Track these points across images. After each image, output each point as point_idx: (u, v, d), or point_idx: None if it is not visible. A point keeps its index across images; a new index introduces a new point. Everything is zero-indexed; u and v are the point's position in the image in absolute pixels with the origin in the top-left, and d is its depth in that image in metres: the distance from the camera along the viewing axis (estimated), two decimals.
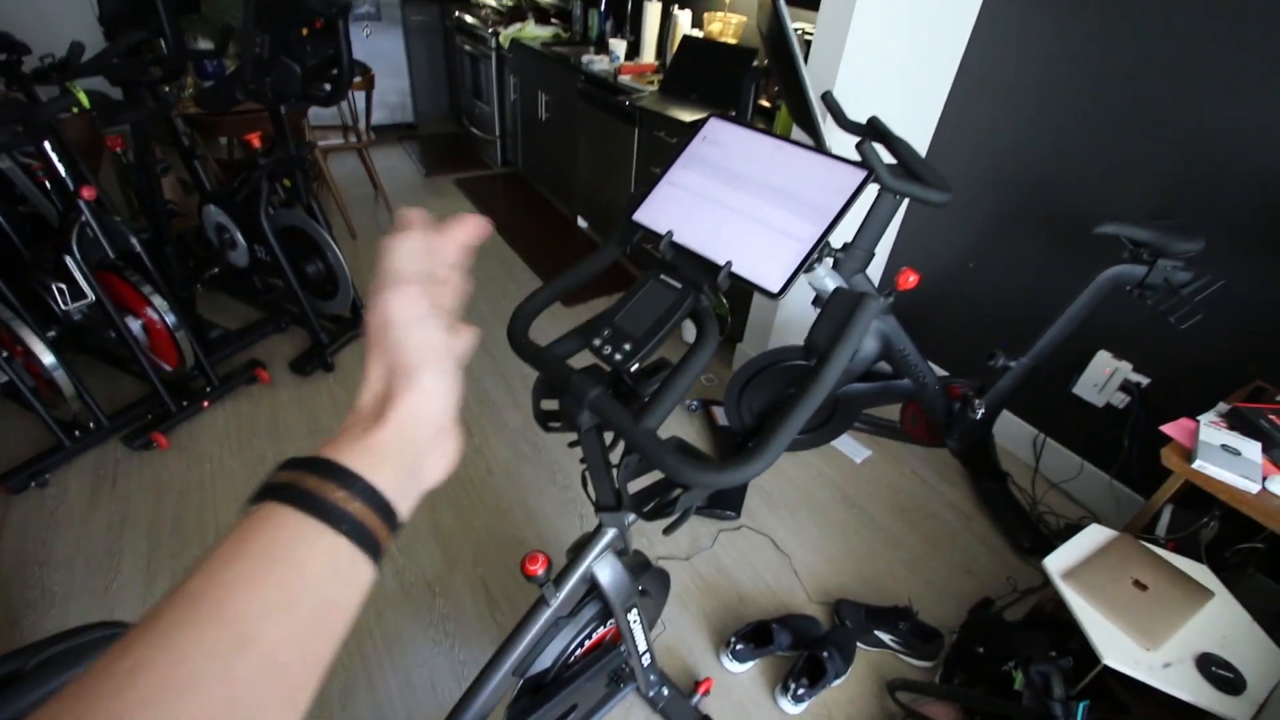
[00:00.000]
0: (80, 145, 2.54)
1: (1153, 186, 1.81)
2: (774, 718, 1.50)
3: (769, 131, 0.86)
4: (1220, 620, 1.31)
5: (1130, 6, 1.72)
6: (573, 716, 1.21)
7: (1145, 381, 1.94)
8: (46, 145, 1.65)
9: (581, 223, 3.74)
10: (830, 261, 1.67)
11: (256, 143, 2.14)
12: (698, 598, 1.75)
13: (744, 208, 0.82)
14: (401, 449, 0.32)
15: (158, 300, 1.97)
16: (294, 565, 0.26)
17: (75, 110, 1.59)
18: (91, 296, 1.83)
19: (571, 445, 0.94)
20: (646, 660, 1.28)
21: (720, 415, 2.36)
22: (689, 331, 2.62)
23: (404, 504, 0.31)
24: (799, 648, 1.59)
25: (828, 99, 1.68)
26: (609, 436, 0.93)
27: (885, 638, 1.65)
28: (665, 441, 0.74)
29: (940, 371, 2.48)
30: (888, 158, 1.45)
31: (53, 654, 0.46)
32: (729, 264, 0.78)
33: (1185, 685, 1.18)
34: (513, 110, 4.10)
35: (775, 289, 0.75)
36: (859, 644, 1.65)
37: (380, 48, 4.56)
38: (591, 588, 1.05)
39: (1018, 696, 1.34)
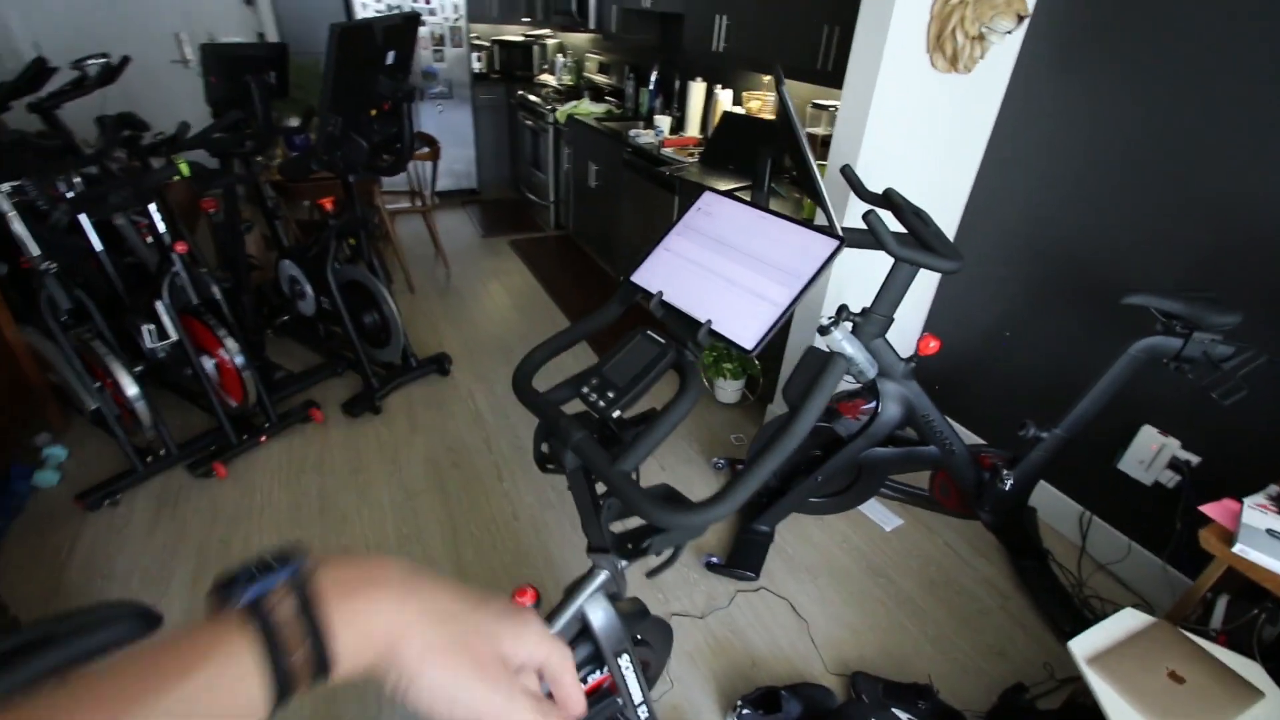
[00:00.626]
0: (181, 207, 2.89)
1: (1189, 258, 1.78)
2: None
3: (755, 205, 0.94)
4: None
5: (1161, 76, 1.75)
6: None
7: (1195, 460, 1.85)
8: (152, 207, 1.91)
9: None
10: (849, 326, 1.70)
11: (329, 206, 2.39)
12: (708, 657, 1.73)
13: (727, 272, 0.89)
14: (371, 656, 0.32)
15: (230, 342, 2.18)
16: (225, 697, 0.27)
17: (176, 178, 1.84)
18: (175, 337, 2.05)
19: (569, 489, 1.00)
20: (644, 714, 1.28)
21: None
22: (725, 392, 2.67)
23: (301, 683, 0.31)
24: (808, 718, 1.53)
25: (847, 172, 1.76)
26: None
27: (903, 716, 1.57)
28: (644, 487, 0.79)
29: (977, 440, 2.42)
30: (899, 227, 1.50)
31: (80, 621, 0.55)
32: (709, 322, 0.84)
33: None
34: (565, 178, 4.37)
35: (749, 346, 0.81)
36: None
37: (451, 122, 4.99)
38: (584, 629, 1.08)
39: None
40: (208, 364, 2.20)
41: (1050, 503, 2.21)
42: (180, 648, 0.28)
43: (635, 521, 0.98)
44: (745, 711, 1.53)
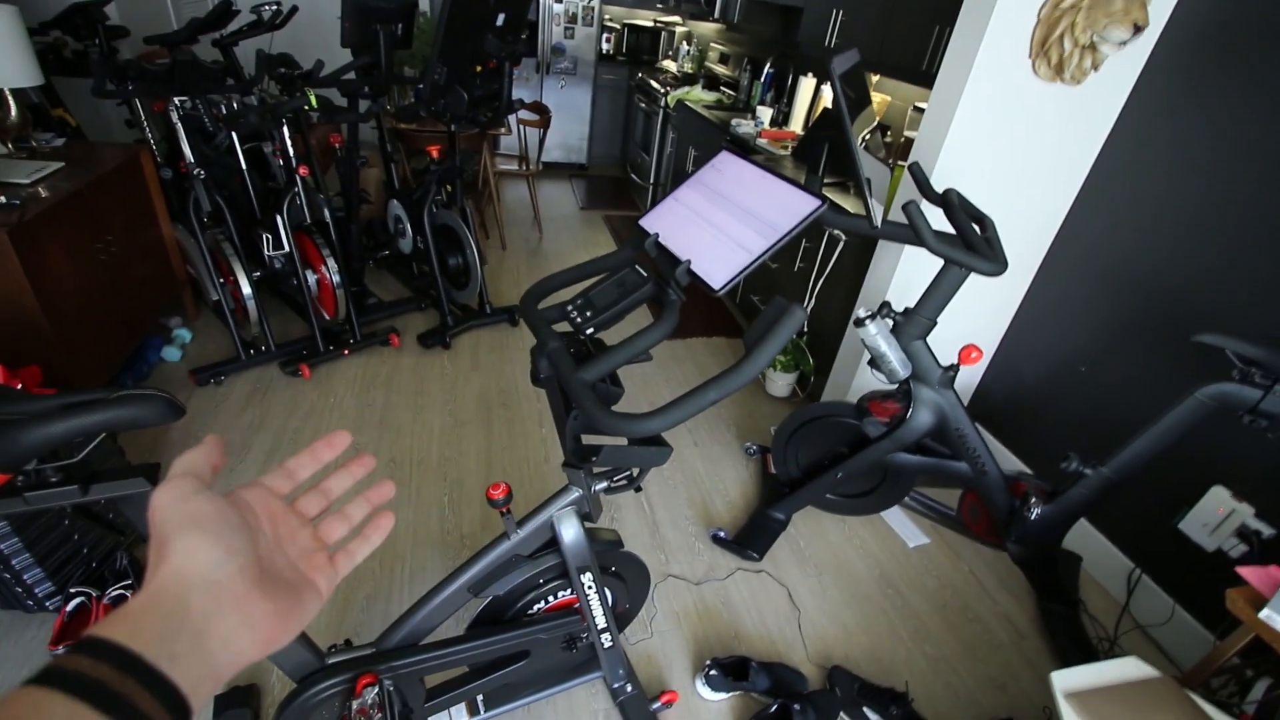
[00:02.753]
0: (321, 144, 3.26)
1: None
2: None
3: (762, 164, 0.99)
4: None
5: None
6: (528, 664, 1.32)
7: (1267, 531, 1.66)
8: (285, 131, 2.20)
9: None
10: (889, 323, 1.69)
11: (435, 154, 2.62)
12: (694, 621, 1.78)
13: (719, 222, 0.94)
14: (161, 612, 0.30)
15: (331, 262, 2.47)
16: None
17: (306, 108, 2.11)
18: (287, 249, 2.35)
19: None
20: (608, 641, 1.36)
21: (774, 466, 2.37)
22: (776, 385, 2.67)
23: (180, 671, 0.29)
24: (775, 695, 1.55)
25: (914, 170, 1.74)
26: None
27: (872, 717, 1.56)
28: (593, 391, 0.87)
29: (1024, 469, 2.29)
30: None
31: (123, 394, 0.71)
32: (688, 262, 0.90)
33: None
34: (667, 162, 4.46)
35: (716, 286, 0.86)
36: (844, 715, 1.57)
37: (571, 97, 5.22)
38: (551, 541, 1.18)
39: None
40: (310, 278, 2.50)
41: (1099, 554, 2.06)
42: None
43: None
44: (713, 673, 1.57)
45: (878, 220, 1.38)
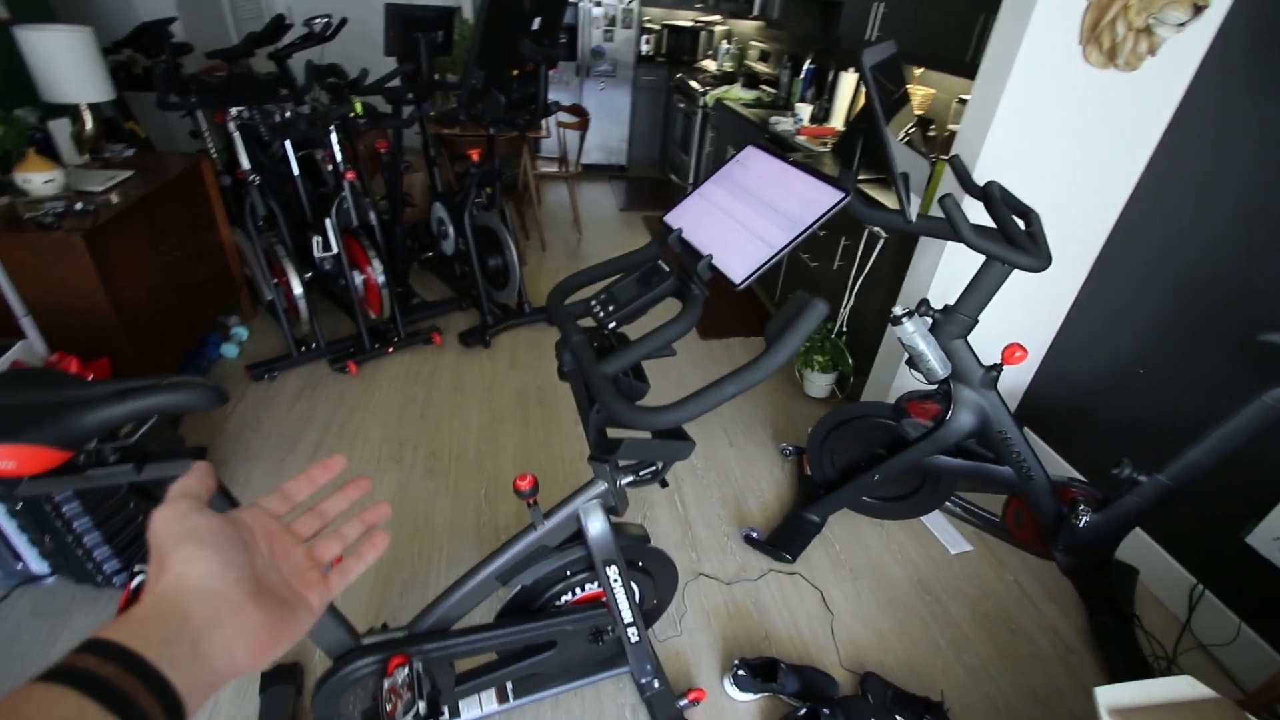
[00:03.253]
0: (368, 151, 3.39)
1: None
2: None
3: (786, 158, 0.98)
4: None
5: None
6: (555, 654, 1.34)
7: None
8: (333, 138, 2.29)
9: None
10: (927, 321, 1.65)
11: (475, 157, 2.68)
12: (724, 621, 1.77)
13: (742, 216, 0.94)
14: (163, 618, 0.32)
15: (377, 263, 2.56)
16: None
17: (352, 115, 2.19)
18: (335, 250, 2.45)
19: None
20: (634, 636, 1.37)
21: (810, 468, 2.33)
22: (815, 386, 2.62)
23: (180, 676, 0.30)
24: (805, 699, 1.53)
25: (955, 163, 1.69)
26: None
27: None
28: (614, 386, 0.88)
29: (1074, 475, 2.19)
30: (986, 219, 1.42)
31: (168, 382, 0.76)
32: (710, 256, 0.90)
33: None
34: (706, 161, 4.45)
35: (736, 281, 0.86)
36: None
37: (612, 101, 5.26)
38: (578, 534, 1.19)
39: None
40: (357, 278, 2.60)
41: (1158, 568, 1.96)
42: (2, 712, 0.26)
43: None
44: (741, 673, 1.56)
45: (912, 215, 1.35)
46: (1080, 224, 2.06)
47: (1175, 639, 1.80)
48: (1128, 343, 2.05)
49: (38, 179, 1.82)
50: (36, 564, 1.64)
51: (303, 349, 2.59)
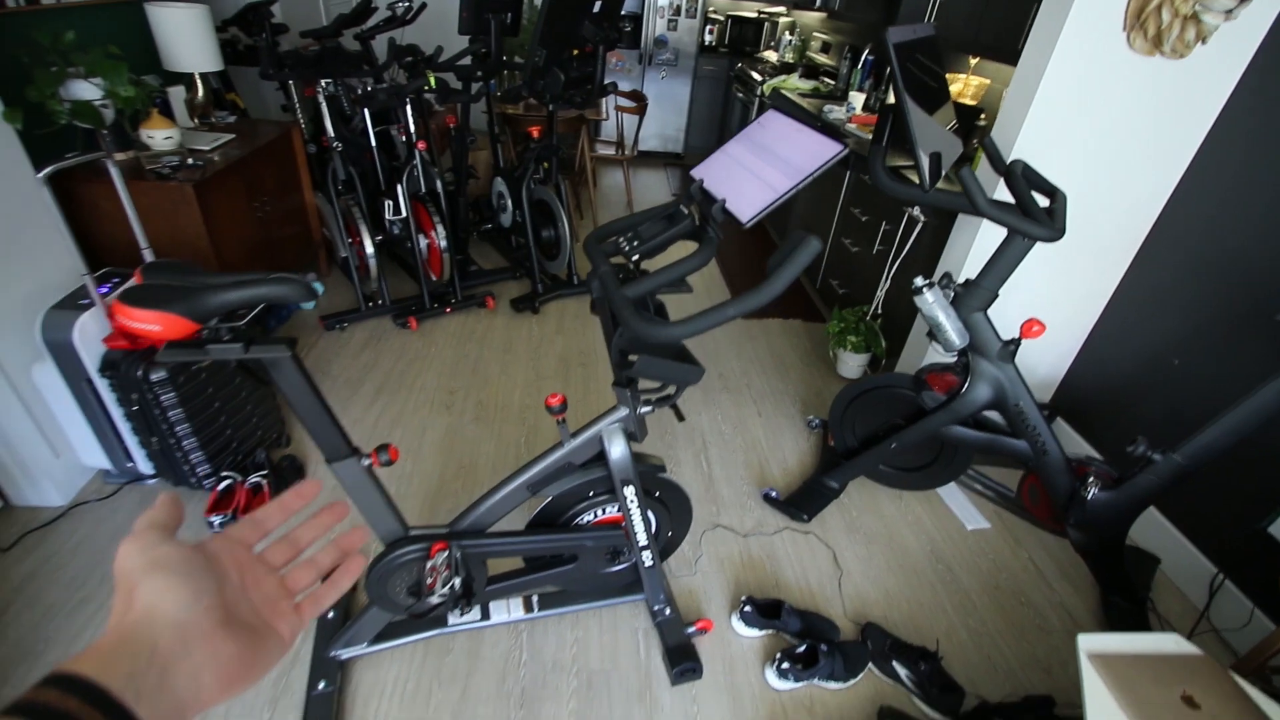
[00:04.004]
0: (439, 128, 3.63)
1: None
2: (755, 682, 1.59)
3: (800, 118, 1.09)
4: None
5: None
6: (576, 568, 1.50)
7: None
8: (408, 110, 2.51)
9: None
10: (949, 294, 1.72)
11: (535, 133, 2.87)
12: (737, 568, 1.89)
13: (754, 168, 1.06)
14: (130, 651, 0.31)
15: (440, 228, 2.77)
16: None
17: (426, 89, 2.40)
18: (405, 214, 2.68)
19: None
20: (648, 560, 1.51)
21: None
22: (848, 366, 2.68)
23: (146, 709, 0.30)
24: (805, 639, 1.64)
25: (987, 144, 1.75)
26: None
27: (902, 672, 1.60)
28: (634, 307, 1.02)
29: (1094, 455, 2.19)
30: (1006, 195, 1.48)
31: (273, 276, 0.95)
32: (723, 200, 1.03)
33: None
34: None
35: (744, 220, 0.98)
36: (872, 667, 1.63)
37: (671, 88, 5.38)
38: (599, 456, 1.34)
39: None
40: (422, 242, 2.83)
41: (1180, 557, 1.96)
42: None
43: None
44: (748, 609, 1.68)
45: (929, 184, 1.43)
46: (1124, 212, 2.06)
47: (1191, 626, 1.81)
48: (1166, 333, 2.05)
49: (159, 135, 2.09)
50: (144, 464, 1.91)
51: (370, 305, 2.84)
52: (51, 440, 1.85)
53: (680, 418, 1.32)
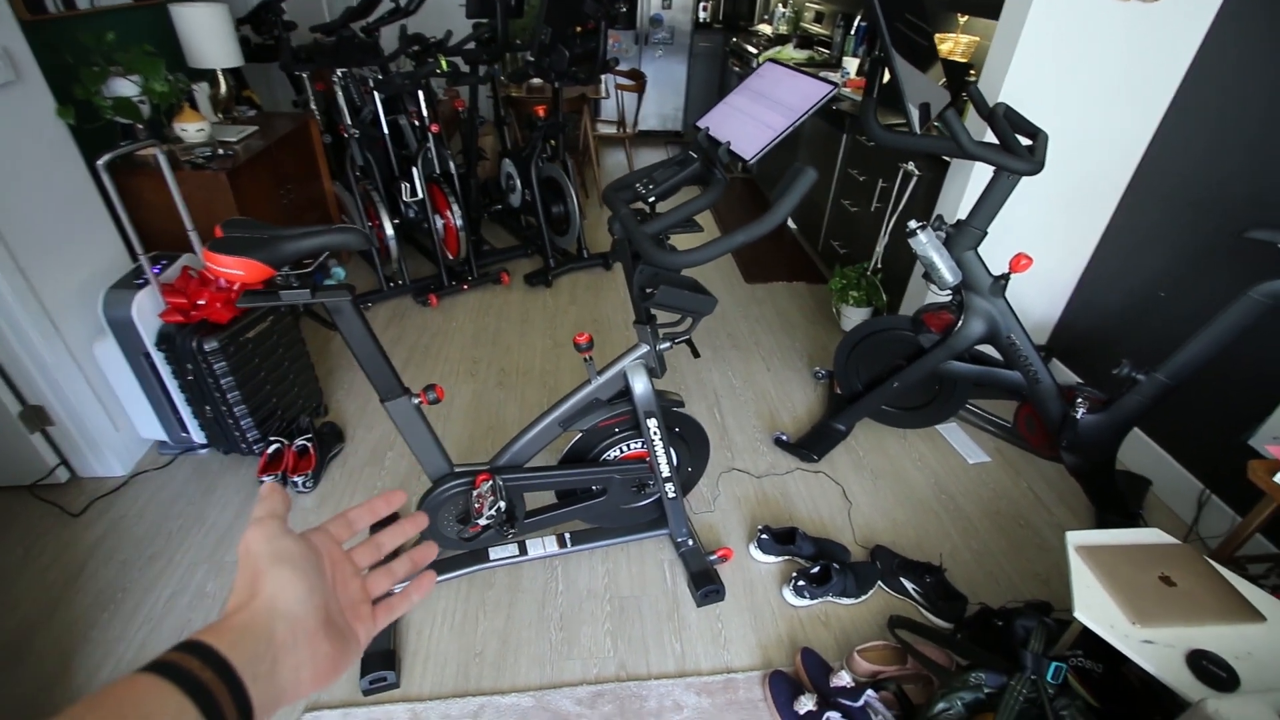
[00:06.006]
0: (446, 113, 3.74)
1: None
2: (774, 601, 1.73)
3: (796, 68, 1.21)
4: (1257, 641, 1.19)
5: None
6: (605, 501, 1.63)
7: None
8: (420, 95, 2.63)
9: (791, 224, 4.07)
10: (942, 235, 1.83)
11: (541, 112, 2.98)
12: (753, 505, 2.02)
13: (754, 113, 1.18)
14: (254, 635, 0.34)
15: (455, 208, 2.90)
16: (145, 717, 0.28)
17: (438, 72, 2.52)
18: (421, 195, 2.80)
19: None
20: (671, 491, 1.64)
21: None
22: (850, 320, 2.79)
23: (257, 692, 0.32)
24: (819, 560, 1.77)
25: (972, 92, 1.84)
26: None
27: (909, 586, 1.73)
28: (654, 238, 1.14)
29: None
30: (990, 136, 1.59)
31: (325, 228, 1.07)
32: (728, 143, 1.15)
33: (1159, 663, 1.15)
34: None
35: (747, 157, 1.10)
36: (881, 584, 1.76)
37: (668, 67, 5.46)
38: (624, 392, 1.47)
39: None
40: (438, 222, 2.95)
41: (1170, 478, 2.07)
42: (106, 690, 0.29)
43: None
44: (764, 536, 1.81)
45: (917, 128, 1.54)
46: (1109, 154, 2.16)
47: (1182, 539, 1.93)
48: (1151, 269, 2.15)
49: (192, 128, 2.22)
50: (197, 434, 2.06)
51: (391, 285, 2.98)
52: (112, 414, 2.00)
53: (695, 354, 1.44)
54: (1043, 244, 2.30)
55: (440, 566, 1.67)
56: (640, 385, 1.44)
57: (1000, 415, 2.23)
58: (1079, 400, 1.79)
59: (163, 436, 2.09)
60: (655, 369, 1.45)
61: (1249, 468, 1.32)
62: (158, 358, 1.88)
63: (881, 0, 1.44)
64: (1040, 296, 2.49)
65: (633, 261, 1.30)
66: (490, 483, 1.38)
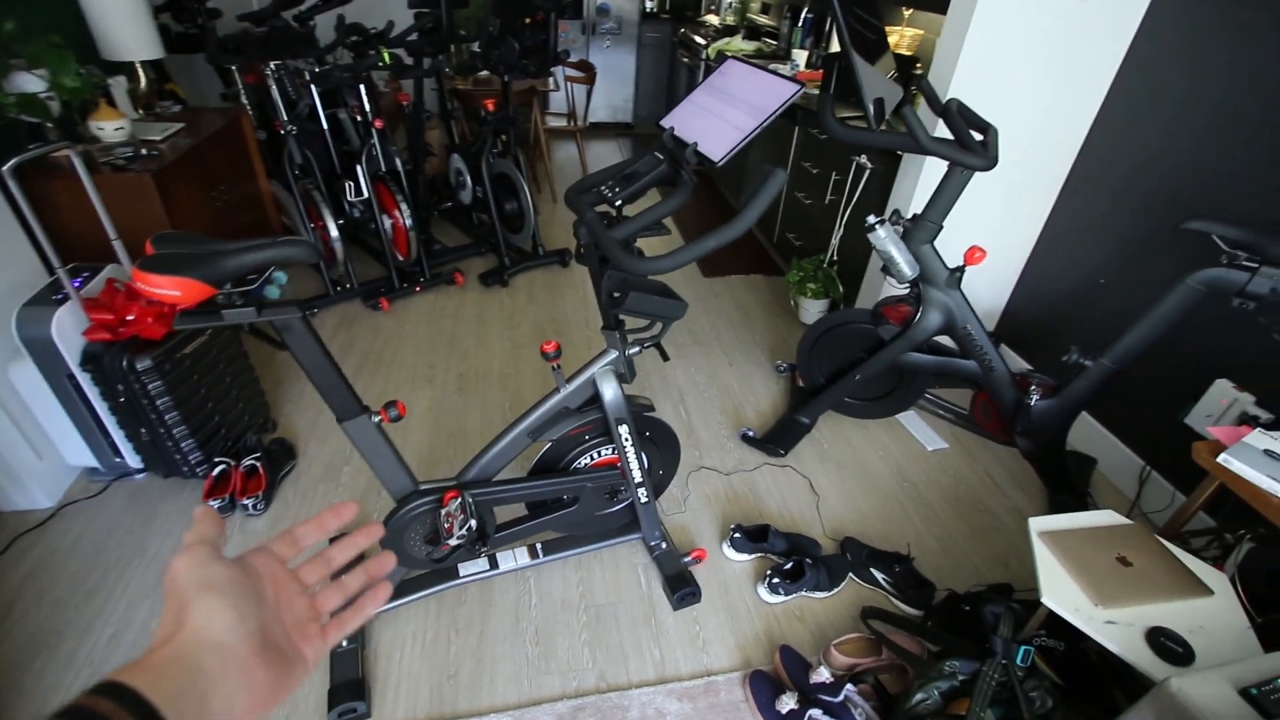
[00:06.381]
0: (388, 106, 3.58)
1: None
2: (750, 600, 1.73)
3: (758, 65, 1.18)
4: (1206, 614, 1.26)
5: None
6: (576, 510, 1.60)
7: (1267, 416, 1.75)
8: (362, 89, 2.50)
9: None
10: (899, 230, 1.85)
11: (490, 106, 2.88)
12: (723, 503, 2.02)
13: (722, 113, 1.15)
14: (179, 669, 0.32)
15: (404, 206, 2.78)
16: None
17: (380, 65, 2.40)
18: (367, 195, 2.68)
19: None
20: (644, 496, 1.62)
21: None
22: (809, 313, 2.83)
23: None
24: (791, 556, 1.78)
25: (924, 87, 1.87)
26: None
27: (879, 576, 1.77)
28: (623, 243, 1.10)
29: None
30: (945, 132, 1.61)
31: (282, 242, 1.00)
32: (695, 144, 1.12)
33: (1122, 643, 1.20)
34: None
35: (716, 159, 1.08)
36: (852, 576, 1.79)
37: (616, 58, 5.39)
38: (593, 399, 1.43)
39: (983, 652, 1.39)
40: (386, 222, 2.83)
41: (1114, 457, 2.18)
42: None
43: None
44: (737, 535, 1.81)
45: (875, 124, 1.55)
46: (1051, 142, 2.23)
47: (1125, 514, 2.03)
48: (1093, 255, 2.24)
49: (109, 126, 2.05)
50: (132, 458, 1.92)
51: (338, 289, 2.84)
52: (34, 442, 1.84)
53: (665, 357, 1.42)
54: (989, 234, 2.37)
55: (408, 586, 1.60)
56: (610, 392, 1.41)
57: (956, 403, 2.29)
58: (1033, 387, 1.85)
59: (93, 462, 1.94)
60: (625, 374, 1.42)
61: (1193, 449, 1.39)
62: (83, 379, 1.73)
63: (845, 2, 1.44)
64: (988, 285, 2.57)
65: (600, 267, 1.26)
66: (459, 500, 1.33)
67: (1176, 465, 1.98)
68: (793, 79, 1.07)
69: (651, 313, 1.23)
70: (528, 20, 2.41)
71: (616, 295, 1.22)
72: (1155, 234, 2.04)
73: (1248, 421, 1.78)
